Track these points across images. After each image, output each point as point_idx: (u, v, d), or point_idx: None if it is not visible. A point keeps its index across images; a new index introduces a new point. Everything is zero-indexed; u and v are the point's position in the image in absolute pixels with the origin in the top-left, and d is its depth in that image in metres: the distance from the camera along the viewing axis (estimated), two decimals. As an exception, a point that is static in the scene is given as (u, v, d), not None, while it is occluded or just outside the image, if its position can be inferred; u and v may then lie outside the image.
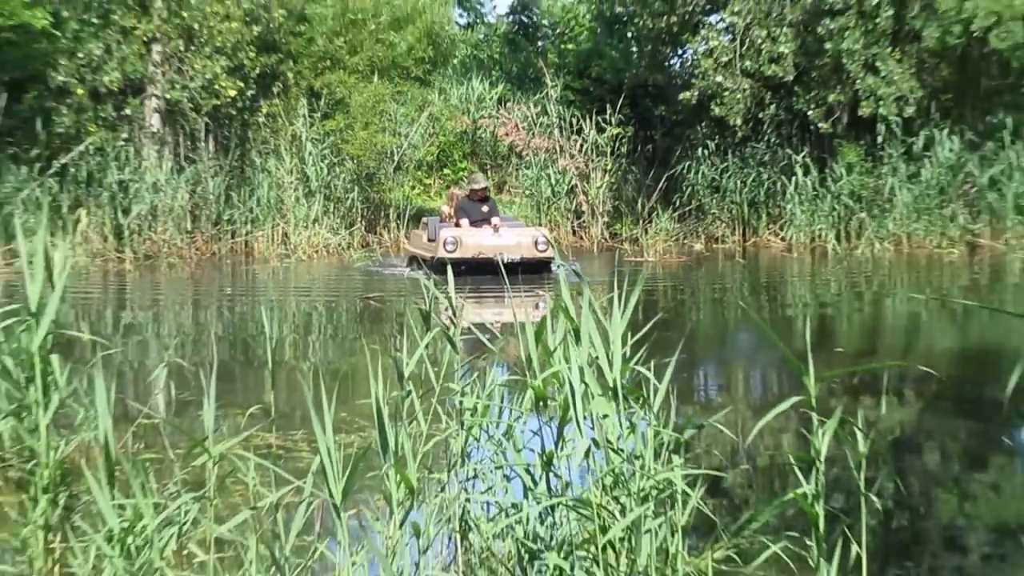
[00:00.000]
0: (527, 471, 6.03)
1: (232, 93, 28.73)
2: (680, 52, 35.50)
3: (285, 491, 6.40)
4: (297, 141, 29.96)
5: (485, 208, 23.24)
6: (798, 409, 5.80)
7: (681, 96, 31.30)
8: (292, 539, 6.03)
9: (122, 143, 27.46)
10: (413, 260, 24.16)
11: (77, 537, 6.53)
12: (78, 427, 8.51)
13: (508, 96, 36.90)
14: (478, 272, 20.31)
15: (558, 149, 32.41)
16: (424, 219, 25.97)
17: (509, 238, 22.16)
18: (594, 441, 5.63)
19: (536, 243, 22.04)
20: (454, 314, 7.46)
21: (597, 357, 5.71)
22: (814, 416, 5.65)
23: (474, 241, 21.98)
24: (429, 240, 23.37)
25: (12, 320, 7.99)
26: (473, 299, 19.32)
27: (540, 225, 27.90)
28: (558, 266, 10.31)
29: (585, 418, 5.72)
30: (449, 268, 8.52)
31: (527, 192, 32.58)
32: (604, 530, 5.44)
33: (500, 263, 19.48)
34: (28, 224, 21.76)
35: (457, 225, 22.72)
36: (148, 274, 25.36)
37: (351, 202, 30.30)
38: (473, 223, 22.72)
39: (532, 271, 21.06)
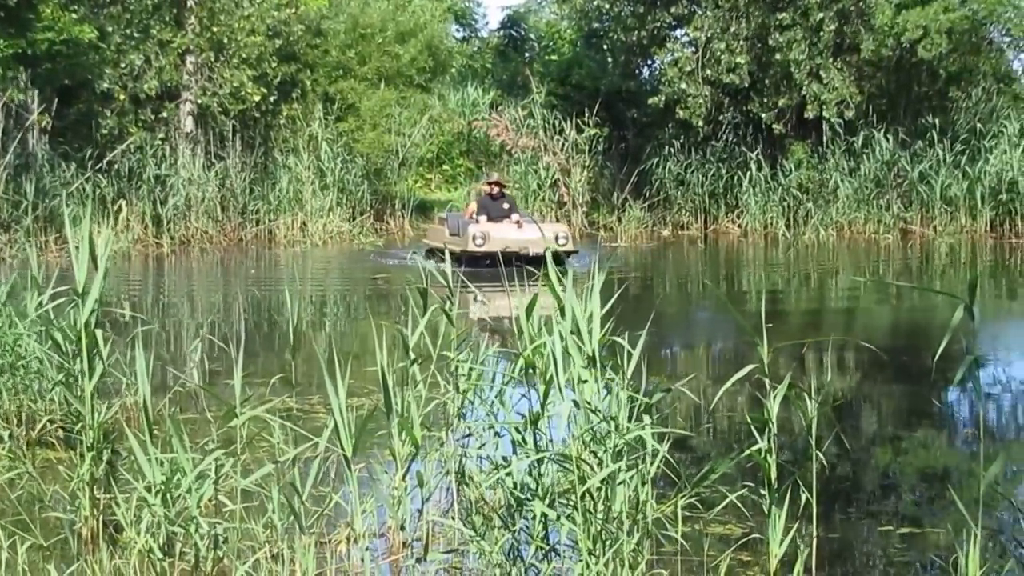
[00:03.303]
0: (516, 430, 6.02)
1: (256, 98, 28.59)
2: (649, 62, 35.36)
3: (303, 447, 6.39)
4: (314, 141, 29.81)
5: (506, 205, 22.29)
6: (752, 375, 5.79)
7: (650, 101, 31.22)
8: (309, 489, 6.01)
9: (159, 142, 27.31)
10: (433, 252, 22.37)
11: (120, 489, 6.52)
12: (119, 393, 8.49)
13: (499, 101, 36.76)
14: (504, 265, 19.75)
15: (543, 147, 32.28)
16: (441, 214, 25.24)
17: (532, 233, 20.88)
18: (575, 403, 5.62)
19: (556, 238, 20.98)
20: (451, 293, 7.44)
21: (576, 330, 5.70)
22: (767, 381, 5.65)
23: (501, 236, 20.89)
24: (452, 234, 22.22)
25: (62, 300, 7.97)
26: (498, 289, 18.98)
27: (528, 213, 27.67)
28: (545, 250, 10.20)
29: (567, 383, 5.71)
30: (447, 254, 8.44)
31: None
32: (583, 481, 5.43)
33: (498, 256, 18.83)
34: (76, 214, 21.68)
35: (476, 222, 21.71)
36: (183, 258, 25.31)
37: (361, 194, 30.16)
38: (491, 219, 21.72)
39: (553, 263, 20.41)
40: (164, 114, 28.02)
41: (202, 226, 27.32)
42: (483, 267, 19.46)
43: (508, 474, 5.84)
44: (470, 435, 7.12)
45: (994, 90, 30.61)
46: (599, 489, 5.51)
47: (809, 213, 29.18)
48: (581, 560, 5.41)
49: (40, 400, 8.83)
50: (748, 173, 29.97)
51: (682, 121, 30.40)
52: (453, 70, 37.64)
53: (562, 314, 5.67)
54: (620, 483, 5.56)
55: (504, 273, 8.56)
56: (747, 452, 5.65)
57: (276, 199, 28.78)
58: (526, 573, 5.68)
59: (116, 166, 26.33)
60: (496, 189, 22.63)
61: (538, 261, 19.49)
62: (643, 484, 5.83)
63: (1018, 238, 26.74)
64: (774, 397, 5.61)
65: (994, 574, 5.69)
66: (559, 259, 19.88)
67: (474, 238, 20.97)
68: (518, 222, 21.67)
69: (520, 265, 11.30)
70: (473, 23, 45.90)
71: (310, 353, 12.38)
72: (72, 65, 25.62)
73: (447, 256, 8.49)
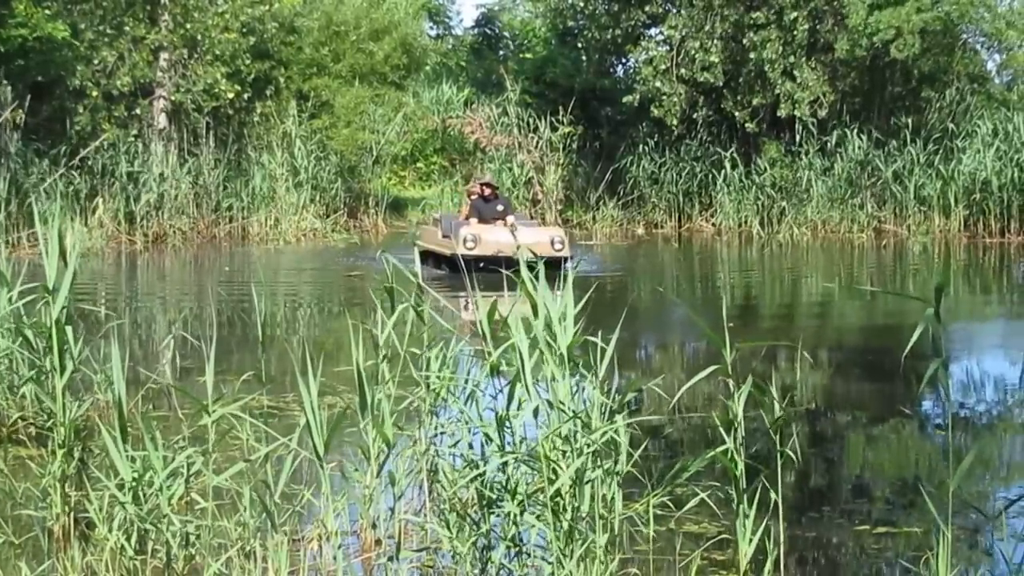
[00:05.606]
0: (485, 434, 6.02)
1: (230, 95, 28.54)
2: (624, 61, 35.47)
3: (275, 445, 6.38)
4: (287, 138, 29.78)
5: (499, 207, 21.44)
6: (721, 374, 5.82)
7: (624, 99, 31.29)
8: (281, 488, 6.01)
9: (132, 139, 27.23)
10: (427, 256, 20.39)
11: (92, 486, 6.50)
12: (91, 390, 8.47)
13: (473, 99, 36.81)
14: (495, 269, 18.92)
15: (517, 145, 32.30)
16: (435, 215, 24.38)
17: (527, 237, 19.61)
18: (548, 402, 5.63)
19: (552, 242, 20.08)
20: (421, 290, 7.42)
21: (550, 326, 5.71)
22: (730, 382, 5.70)
23: (493, 239, 19.97)
24: (444, 236, 21.29)
25: (32, 296, 7.94)
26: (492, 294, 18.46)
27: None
28: (518, 250, 10.09)
29: (538, 381, 5.73)
30: (415, 250, 8.41)
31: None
32: (553, 480, 5.44)
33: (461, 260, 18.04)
34: (48, 211, 21.58)
35: (468, 224, 20.78)
36: (156, 255, 25.25)
37: (335, 191, 30.19)
38: (484, 221, 20.89)
39: (548, 268, 19.45)
40: (137, 111, 27.94)
41: (175, 223, 27.26)
42: (475, 270, 18.77)
43: (480, 474, 5.85)
44: (442, 433, 7.12)
45: (968, 90, 30.73)
46: (569, 488, 5.53)
47: (783, 212, 29.28)
48: (552, 559, 5.43)
49: (11, 397, 8.81)
50: (722, 172, 30.06)
51: (656, 120, 30.46)
52: (427, 68, 37.66)
53: (535, 314, 5.69)
54: (587, 482, 5.57)
55: (462, 277, 8.54)
56: (714, 453, 5.68)
57: (249, 196, 28.74)
58: (498, 572, 5.69)
59: (89, 163, 26.25)
60: (488, 191, 21.85)
61: (532, 266, 18.88)
62: (613, 483, 5.85)
63: (991, 237, 26.86)
64: (738, 397, 5.65)
65: (965, 573, 5.72)
66: (556, 264, 18.91)
67: (464, 241, 20.11)
68: (512, 225, 20.80)
69: (504, 268, 11.07)
70: (447, 21, 45.97)
71: (283, 351, 12.35)
72: (45, 62, 25.54)
73: (416, 255, 8.42)
